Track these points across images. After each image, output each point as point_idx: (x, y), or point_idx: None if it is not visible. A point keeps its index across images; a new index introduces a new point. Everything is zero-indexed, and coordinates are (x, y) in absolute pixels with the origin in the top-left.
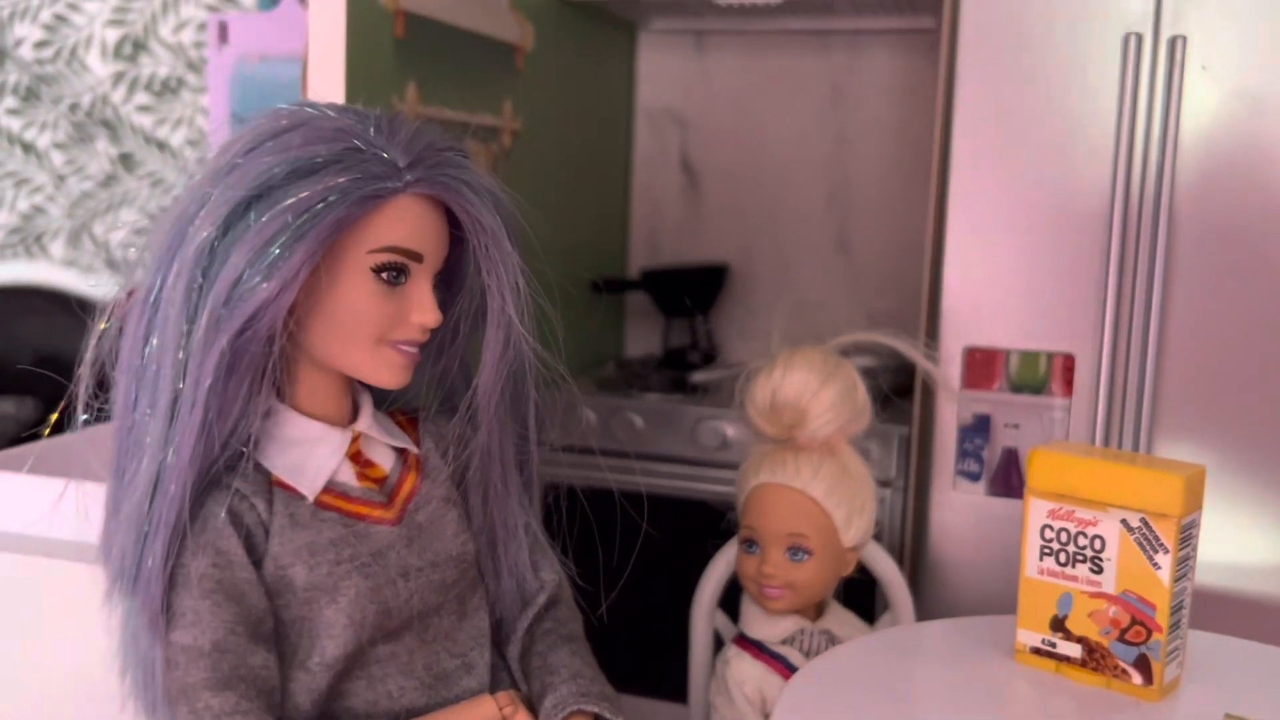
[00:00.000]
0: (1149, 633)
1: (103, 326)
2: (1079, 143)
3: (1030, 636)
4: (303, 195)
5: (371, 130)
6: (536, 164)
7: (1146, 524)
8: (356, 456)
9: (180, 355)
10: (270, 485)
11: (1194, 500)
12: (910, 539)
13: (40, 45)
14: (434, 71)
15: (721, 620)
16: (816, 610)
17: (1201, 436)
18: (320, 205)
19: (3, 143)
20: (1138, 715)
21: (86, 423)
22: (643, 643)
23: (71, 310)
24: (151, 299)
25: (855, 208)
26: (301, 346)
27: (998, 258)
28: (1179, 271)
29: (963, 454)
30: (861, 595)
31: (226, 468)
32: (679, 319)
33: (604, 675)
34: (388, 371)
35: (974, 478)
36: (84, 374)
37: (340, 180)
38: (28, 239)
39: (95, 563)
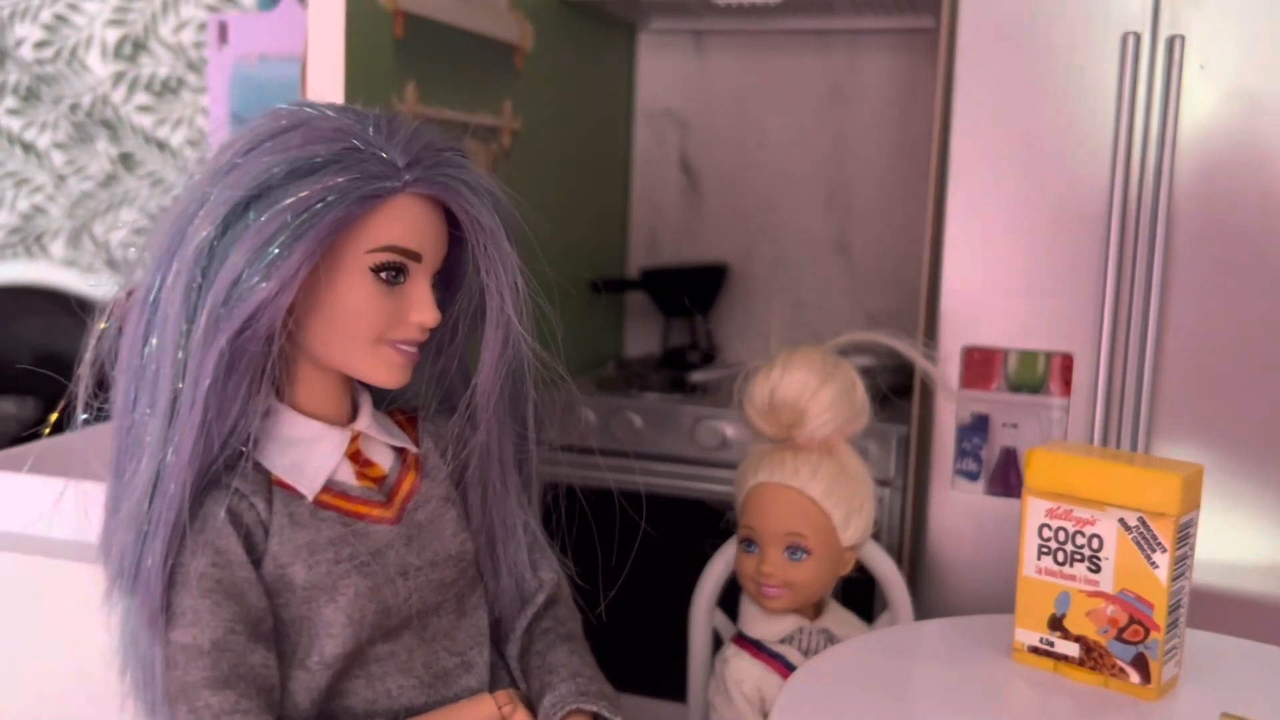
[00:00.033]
0: (1147, 632)
1: (102, 326)
2: (1078, 142)
3: (1028, 635)
4: (302, 195)
5: (370, 130)
6: (536, 164)
7: (1144, 523)
8: (356, 456)
9: (180, 355)
10: (269, 484)
11: (1191, 499)
12: (909, 538)
13: (40, 45)
14: (433, 71)
15: (720, 619)
16: (815, 609)
17: (1199, 436)
18: (319, 205)
19: (3, 143)
20: (1135, 714)
21: (86, 422)
22: (642, 642)
23: (71, 310)
24: (151, 299)
25: (854, 207)
26: (300, 346)
27: (996, 257)
28: (1177, 271)
29: (961, 453)
30: (860, 594)
31: (226, 467)
32: (678, 319)
33: (603, 674)
34: (387, 371)
35: (972, 477)
36: (84, 374)
37: (339, 180)
38: (28, 239)
39: (95, 562)
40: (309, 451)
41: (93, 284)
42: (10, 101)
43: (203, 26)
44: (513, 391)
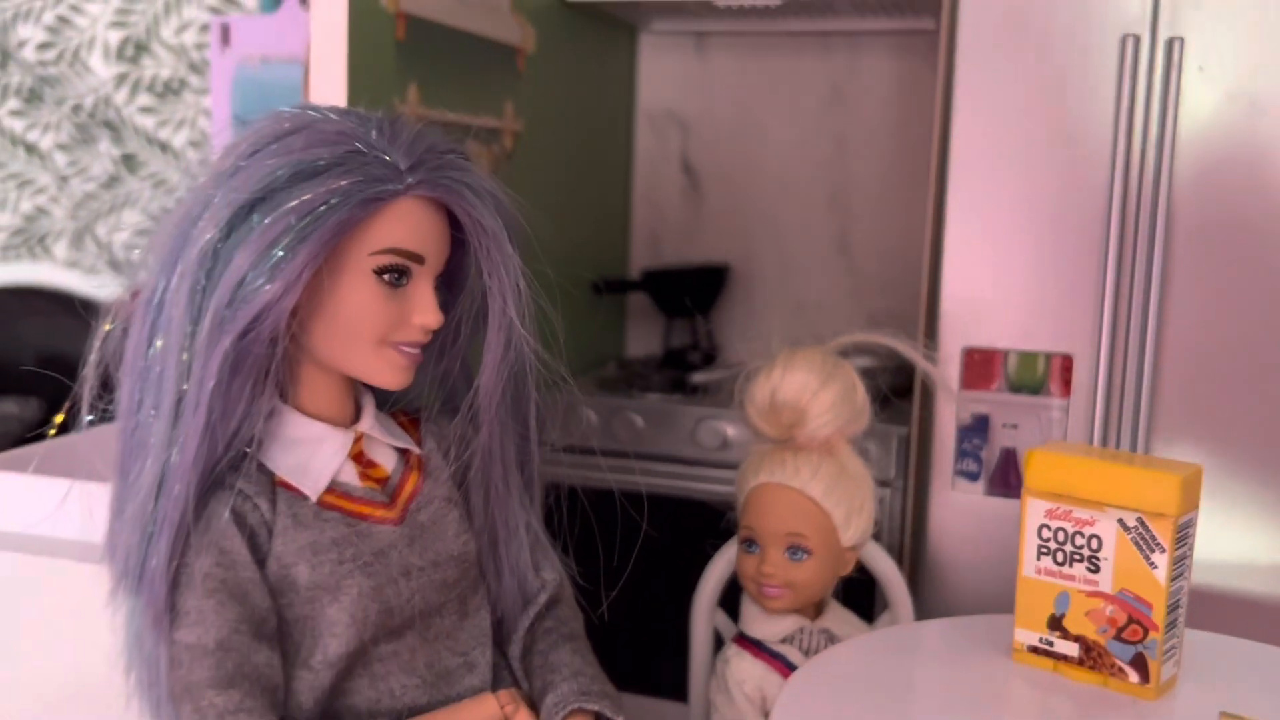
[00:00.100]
0: (1145, 631)
1: (107, 328)
2: (1077, 144)
3: (1028, 635)
4: (305, 198)
5: (373, 133)
6: (538, 166)
7: (1143, 523)
8: (359, 457)
9: (184, 356)
10: (273, 485)
11: (1190, 500)
12: (909, 538)
13: (43, 47)
14: (435, 74)
15: (721, 619)
16: (816, 609)
17: (1198, 437)
18: (323, 207)
19: (6, 144)
20: (1135, 713)
21: (91, 423)
22: (643, 642)
23: (74, 311)
24: (155, 300)
25: (855, 208)
26: (304, 348)
27: (996, 259)
28: (1176, 272)
29: (961, 454)
30: (861, 594)
31: (230, 468)
32: (680, 319)
33: (605, 674)
34: (390, 372)
35: (972, 478)
36: (89, 375)
37: (342, 183)
38: (31, 240)
39: (100, 562)
40: (313, 452)
41: (97, 285)
42: (13, 103)
43: (205, 28)
44: (515, 392)
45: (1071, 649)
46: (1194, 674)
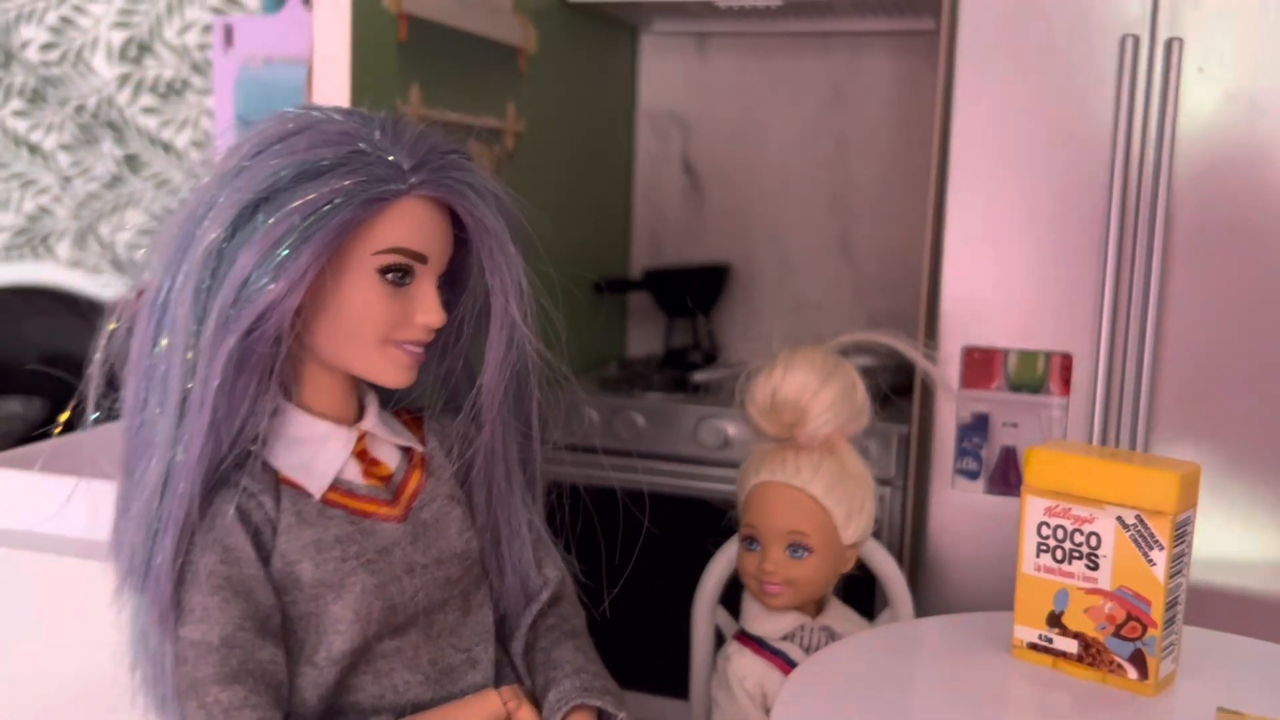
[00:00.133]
0: (1144, 628)
1: (112, 327)
2: (1077, 144)
3: (1027, 632)
4: (309, 198)
5: (376, 133)
6: (539, 166)
7: (1142, 521)
8: (362, 455)
9: (189, 355)
10: (278, 483)
11: (1189, 498)
12: (909, 536)
13: (46, 48)
14: (437, 74)
15: (723, 617)
16: (816, 607)
17: (1197, 435)
18: (326, 207)
19: (9, 144)
20: (1133, 710)
21: (97, 422)
22: (645, 639)
23: (77, 311)
24: (160, 300)
25: (856, 208)
26: (308, 346)
27: (996, 258)
28: (1175, 272)
29: (961, 453)
30: (861, 592)
31: (235, 466)
32: (681, 319)
33: (607, 671)
34: (393, 371)
35: (972, 476)
36: (94, 373)
37: (346, 183)
38: (34, 240)
39: (105, 560)
40: (317, 450)
41: (102, 285)
42: (16, 103)
43: (207, 29)
44: (517, 391)
45: (1070, 646)
46: (1192, 670)
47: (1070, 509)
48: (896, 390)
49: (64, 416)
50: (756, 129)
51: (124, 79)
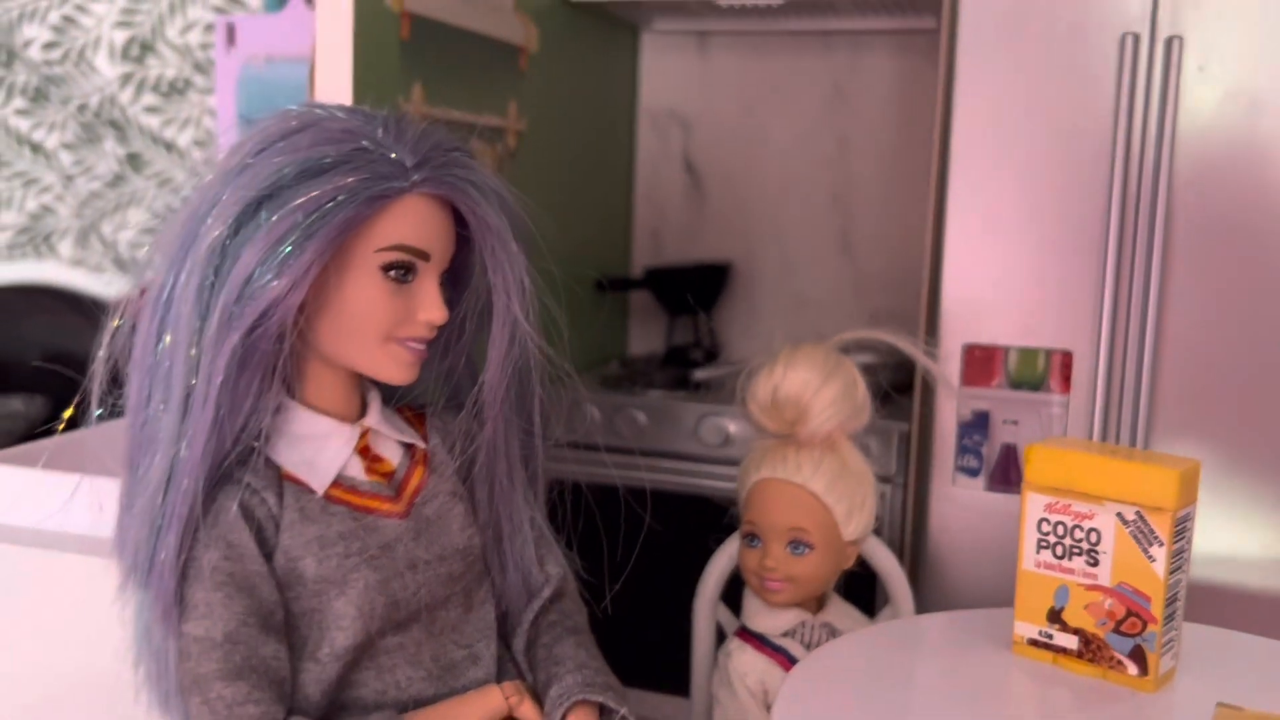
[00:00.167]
0: (1144, 624)
1: (116, 324)
2: (1077, 142)
3: (1027, 628)
4: (312, 195)
5: (379, 131)
6: (541, 164)
7: (1142, 517)
8: (365, 451)
9: (193, 352)
10: (280, 479)
11: (1189, 494)
12: (910, 533)
13: (49, 46)
14: (439, 73)
15: (724, 613)
16: (817, 603)
17: (1198, 432)
18: (330, 205)
19: (11, 143)
20: (1133, 705)
21: (100, 419)
22: (646, 636)
23: (79, 309)
24: (164, 297)
25: (857, 206)
26: (311, 343)
27: (997, 256)
28: (1176, 269)
29: (962, 450)
30: (862, 589)
31: (238, 462)
32: (682, 317)
33: (609, 667)
34: (395, 368)
35: (973, 473)
36: (98, 370)
37: (349, 180)
38: (36, 239)
39: (109, 556)
40: (319, 447)
41: (105, 283)
42: (19, 102)
43: (210, 28)
44: (519, 389)
45: (1071, 642)
46: (1192, 666)
47: (1070, 505)
48: (897, 388)
49: (67, 413)
50: (757, 127)
51: (126, 78)
